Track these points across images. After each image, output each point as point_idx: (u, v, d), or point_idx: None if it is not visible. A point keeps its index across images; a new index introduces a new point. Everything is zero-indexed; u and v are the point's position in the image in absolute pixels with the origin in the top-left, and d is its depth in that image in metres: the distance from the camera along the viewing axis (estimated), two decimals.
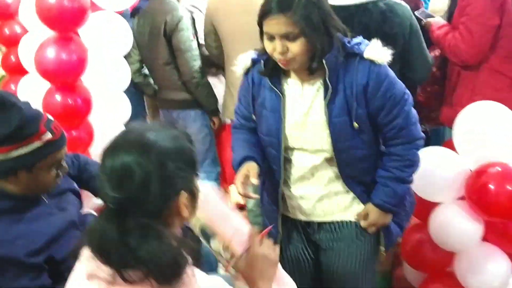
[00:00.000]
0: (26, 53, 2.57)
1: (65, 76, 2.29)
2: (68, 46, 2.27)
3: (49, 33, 2.32)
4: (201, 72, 2.96)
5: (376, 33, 2.13)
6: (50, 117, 1.52)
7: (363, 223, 1.72)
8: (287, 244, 1.84)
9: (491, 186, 1.90)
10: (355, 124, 1.57)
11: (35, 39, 2.42)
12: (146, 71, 3.24)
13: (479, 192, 1.93)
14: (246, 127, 1.77)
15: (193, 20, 3.00)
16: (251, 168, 1.64)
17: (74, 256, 1.10)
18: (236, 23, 2.75)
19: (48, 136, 1.45)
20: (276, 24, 1.46)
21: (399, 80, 1.63)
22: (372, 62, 1.55)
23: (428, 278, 2.22)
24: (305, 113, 1.61)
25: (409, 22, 2.27)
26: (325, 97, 1.56)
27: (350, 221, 1.74)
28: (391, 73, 1.60)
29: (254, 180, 1.62)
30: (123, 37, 2.49)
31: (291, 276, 1.42)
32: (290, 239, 1.83)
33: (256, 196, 1.69)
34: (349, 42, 1.58)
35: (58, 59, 2.23)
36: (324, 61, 1.52)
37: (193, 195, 1.08)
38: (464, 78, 2.49)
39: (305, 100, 1.61)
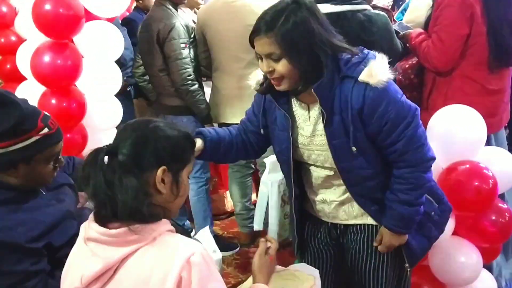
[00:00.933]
0: (23, 60, 2.67)
1: (60, 80, 2.40)
2: (63, 52, 2.39)
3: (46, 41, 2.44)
4: (191, 80, 3.02)
5: (356, 40, 2.31)
6: (47, 113, 1.62)
7: (380, 248, 1.73)
8: (312, 238, 1.89)
9: (461, 182, 2.04)
10: (353, 148, 1.55)
11: (32, 46, 2.54)
12: None
13: (449, 188, 2.06)
14: (244, 124, 1.81)
15: (187, 28, 3.05)
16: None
17: (71, 244, 1.29)
18: (222, 30, 2.93)
19: (45, 130, 1.55)
20: (260, 44, 1.48)
21: (404, 101, 1.55)
22: (368, 85, 1.49)
23: None
24: (310, 135, 1.64)
25: (388, 33, 2.45)
26: (323, 120, 1.57)
27: (372, 224, 1.76)
28: (391, 95, 1.52)
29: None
30: (115, 44, 2.61)
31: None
32: (315, 235, 1.89)
33: None
34: (347, 62, 1.53)
35: (53, 64, 2.34)
36: (313, 90, 1.51)
37: (175, 179, 1.24)
38: (438, 84, 2.63)
39: (310, 122, 1.63)
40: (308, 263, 1.75)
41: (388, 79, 1.51)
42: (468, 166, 2.08)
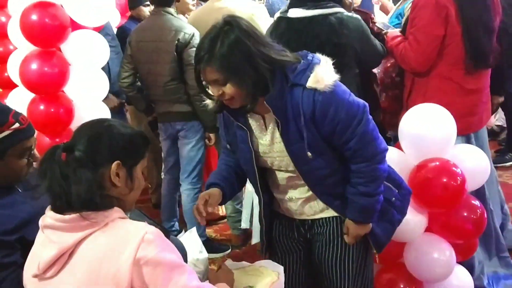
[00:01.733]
0: (14, 68, 2.78)
1: (48, 87, 2.51)
2: (51, 60, 2.50)
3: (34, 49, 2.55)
4: None
5: (327, 42, 2.39)
6: (18, 110, 1.71)
7: (347, 239, 1.79)
8: (280, 236, 1.93)
9: (430, 179, 2.08)
10: (309, 154, 1.62)
11: (22, 55, 2.65)
12: (139, 84, 3.33)
13: (419, 184, 2.11)
14: (229, 150, 1.86)
15: None
16: (212, 196, 1.74)
17: None
18: None
19: (16, 125, 1.64)
20: (204, 73, 1.55)
21: (352, 100, 1.61)
22: (316, 90, 1.56)
23: (382, 269, 2.37)
24: (270, 143, 1.70)
25: (360, 34, 2.50)
26: (278, 129, 1.64)
27: (336, 216, 1.82)
28: (340, 97, 1.59)
29: (210, 208, 1.72)
30: (101, 52, 2.71)
31: (283, 265, 1.71)
32: (283, 233, 1.93)
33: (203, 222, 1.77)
34: (294, 70, 1.59)
35: (40, 71, 2.45)
36: (265, 102, 1.58)
37: (129, 174, 1.33)
38: (417, 84, 2.66)
39: (268, 131, 1.70)
40: (278, 261, 1.81)
41: (334, 81, 1.58)
42: (437, 163, 2.12)
